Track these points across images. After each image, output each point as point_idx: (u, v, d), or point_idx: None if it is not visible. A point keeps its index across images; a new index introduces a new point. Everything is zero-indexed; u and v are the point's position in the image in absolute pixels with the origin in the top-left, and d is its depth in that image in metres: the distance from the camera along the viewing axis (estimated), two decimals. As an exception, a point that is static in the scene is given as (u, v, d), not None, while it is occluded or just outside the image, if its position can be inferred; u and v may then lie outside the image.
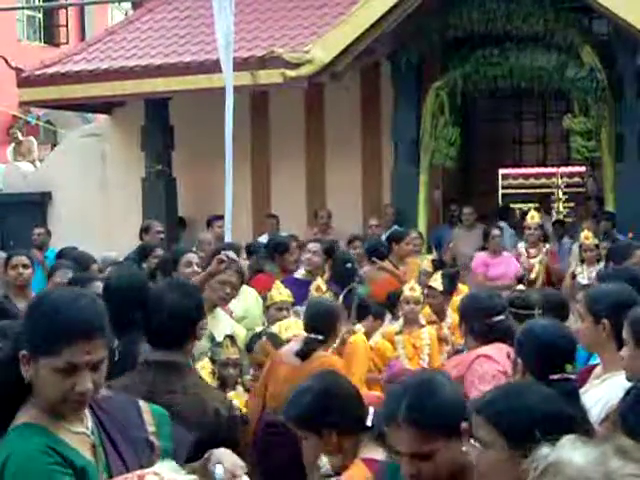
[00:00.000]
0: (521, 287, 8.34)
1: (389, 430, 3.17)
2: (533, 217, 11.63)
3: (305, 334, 6.25)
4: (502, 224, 14.76)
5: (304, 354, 6.04)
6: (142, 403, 3.30)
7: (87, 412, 3.08)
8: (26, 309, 3.09)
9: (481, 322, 5.25)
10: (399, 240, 10.67)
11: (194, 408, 4.15)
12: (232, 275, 7.08)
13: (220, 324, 6.83)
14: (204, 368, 5.83)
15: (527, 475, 2.19)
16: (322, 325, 6.18)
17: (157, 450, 3.13)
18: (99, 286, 5.88)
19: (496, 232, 11.57)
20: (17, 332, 3.04)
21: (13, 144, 18.72)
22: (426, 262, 9.90)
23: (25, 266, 8.21)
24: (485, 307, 5.41)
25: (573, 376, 3.94)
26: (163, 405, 3.50)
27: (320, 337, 6.11)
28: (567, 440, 2.15)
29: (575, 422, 2.90)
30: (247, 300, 8.17)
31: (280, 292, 7.73)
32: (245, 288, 8.20)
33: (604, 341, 4.42)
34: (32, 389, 3.00)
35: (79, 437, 3.02)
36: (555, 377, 3.74)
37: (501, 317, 5.36)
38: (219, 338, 6.51)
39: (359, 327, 7.79)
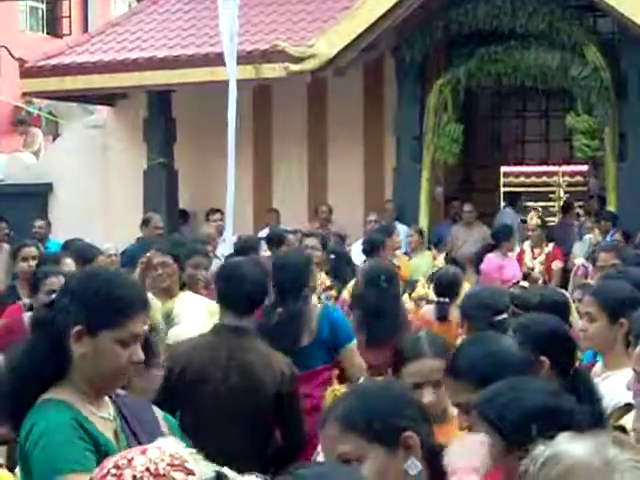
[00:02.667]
0: (524, 284, 8.28)
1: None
2: (532, 218, 11.68)
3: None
4: (509, 210, 14.90)
5: (443, 316, 7.07)
6: (154, 406, 3.39)
7: (108, 400, 3.14)
8: (74, 286, 3.13)
9: (484, 320, 5.18)
10: (390, 233, 10.68)
11: (264, 367, 4.81)
12: (155, 256, 6.82)
13: (186, 305, 6.72)
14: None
15: (524, 472, 2.19)
16: (450, 290, 7.27)
17: None
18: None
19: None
20: (65, 308, 3.06)
21: (23, 137, 18.70)
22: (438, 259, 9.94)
23: (34, 258, 8.16)
24: (488, 305, 5.35)
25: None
26: (239, 363, 4.56)
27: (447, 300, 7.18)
28: (563, 436, 2.16)
29: (574, 416, 2.87)
30: None
31: None
32: None
33: (616, 341, 4.37)
34: (65, 369, 3.04)
35: (104, 421, 3.08)
36: (577, 366, 3.72)
37: (504, 315, 5.29)
38: (183, 319, 6.43)
39: None
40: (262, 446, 3.33)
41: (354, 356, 6.01)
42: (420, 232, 12.40)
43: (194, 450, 2.11)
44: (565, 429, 2.67)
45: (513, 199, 15.93)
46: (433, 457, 2.69)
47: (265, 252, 9.34)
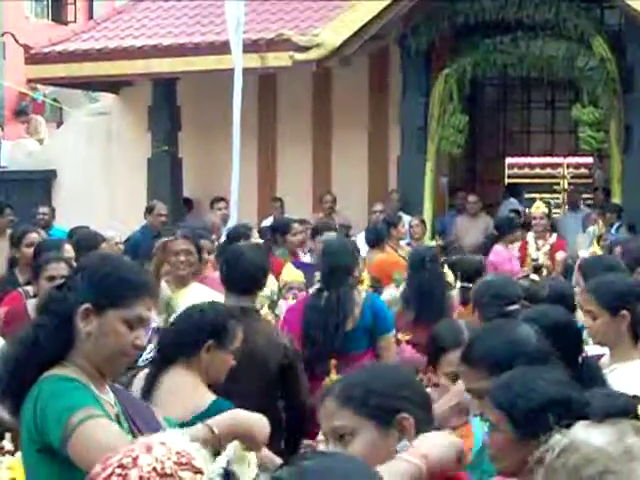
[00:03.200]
0: (534, 277, 8.29)
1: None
2: (539, 207, 11.64)
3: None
4: (512, 200, 14.93)
5: (467, 300, 7.05)
6: (154, 409, 3.42)
7: (108, 388, 3.15)
8: (85, 266, 3.21)
9: (495, 310, 5.16)
10: (395, 224, 10.70)
11: (268, 343, 5.19)
12: (181, 243, 6.87)
13: (196, 297, 6.73)
14: None
15: (538, 461, 2.18)
16: (474, 275, 7.50)
17: None
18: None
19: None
20: (75, 287, 3.12)
21: (26, 125, 18.69)
22: None
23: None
24: (500, 294, 5.33)
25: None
26: (244, 340, 4.59)
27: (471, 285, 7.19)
28: (580, 424, 2.15)
29: (586, 407, 2.86)
30: None
31: (290, 273, 7.74)
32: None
33: (621, 333, 4.34)
34: (69, 348, 3.07)
35: (106, 403, 3.09)
36: (584, 356, 3.71)
37: (516, 306, 5.26)
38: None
39: None
40: (270, 419, 3.44)
41: (390, 346, 6.24)
42: (423, 222, 12.38)
43: (199, 446, 2.07)
44: (577, 420, 2.66)
45: (516, 190, 15.94)
46: None
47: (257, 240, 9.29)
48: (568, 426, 2.66)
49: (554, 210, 17.48)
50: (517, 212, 11.53)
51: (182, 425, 3.87)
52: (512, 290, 5.44)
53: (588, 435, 2.04)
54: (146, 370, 4.47)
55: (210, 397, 4.19)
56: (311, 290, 6.63)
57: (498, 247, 10.78)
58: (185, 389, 4.21)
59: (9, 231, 11.61)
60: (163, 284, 6.58)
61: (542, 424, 2.72)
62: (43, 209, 13.45)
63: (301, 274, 7.83)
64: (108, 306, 3.06)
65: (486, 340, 3.37)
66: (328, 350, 5.93)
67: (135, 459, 1.97)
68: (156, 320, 5.96)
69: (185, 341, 4.29)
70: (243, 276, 5.34)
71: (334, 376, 5.68)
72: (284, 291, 7.65)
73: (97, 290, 3.07)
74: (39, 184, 16.29)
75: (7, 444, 4.60)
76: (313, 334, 6.04)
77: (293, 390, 5.27)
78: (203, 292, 6.81)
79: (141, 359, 4.75)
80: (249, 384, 4.90)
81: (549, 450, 2.09)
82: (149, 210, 12.06)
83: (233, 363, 4.36)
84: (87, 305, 3.06)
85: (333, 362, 5.91)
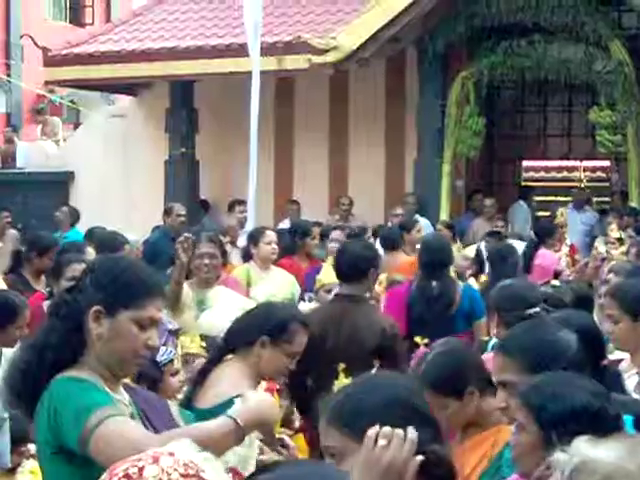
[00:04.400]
0: (555, 282, 8.26)
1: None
2: (562, 214, 11.65)
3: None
4: (521, 202, 14.93)
5: None
6: (170, 403, 3.42)
7: (121, 388, 3.14)
8: (95, 268, 3.18)
9: (515, 313, 5.14)
10: (409, 229, 10.63)
11: (368, 325, 5.90)
12: (205, 245, 6.96)
13: (220, 299, 6.76)
14: (193, 342, 5.76)
15: (537, 478, 2.15)
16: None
17: None
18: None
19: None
20: (86, 289, 3.10)
21: (40, 125, 18.74)
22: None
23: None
24: (521, 298, 5.31)
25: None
26: (349, 322, 5.80)
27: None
28: (582, 441, 2.12)
29: (617, 421, 2.84)
30: (275, 281, 8.24)
31: (328, 275, 7.75)
32: (274, 270, 8.45)
33: None
34: (81, 351, 3.05)
35: (119, 404, 3.08)
36: (605, 362, 3.69)
37: (536, 309, 5.24)
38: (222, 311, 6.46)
39: None
40: None
41: (482, 329, 6.95)
42: (448, 226, 12.27)
43: (209, 455, 2.04)
44: (604, 434, 2.65)
45: (526, 193, 15.88)
46: (431, 463, 2.47)
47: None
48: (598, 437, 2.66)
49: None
50: (498, 233, 11.45)
51: (209, 412, 3.92)
52: (532, 293, 5.42)
53: (598, 452, 2.01)
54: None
55: (244, 389, 4.13)
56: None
57: (545, 251, 10.57)
58: (227, 378, 4.30)
59: (12, 231, 11.67)
60: (185, 286, 6.60)
61: (569, 431, 2.71)
62: (63, 209, 13.45)
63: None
64: (119, 307, 3.05)
65: (530, 334, 3.35)
66: (434, 333, 6.12)
67: (141, 469, 1.94)
68: (170, 322, 5.99)
69: (244, 333, 4.40)
70: (350, 267, 6.11)
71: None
72: (321, 292, 7.65)
73: (107, 292, 3.05)
74: (56, 186, 16.35)
75: (33, 447, 4.59)
76: (420, 319, 6.88)
77: (389, 368, 5.35)
78: (231, 295, 6.86)
79: (159, 359, 4.79)
80: (349, 360, 5.37)
81: (554, 469, 2.06)
82: (167, 212, 12.07)
83: (289, 365, 4.43)
84: (98, 307, 3.04)
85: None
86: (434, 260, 7.18)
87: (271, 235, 8.68)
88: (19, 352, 3.19)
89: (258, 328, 4.38)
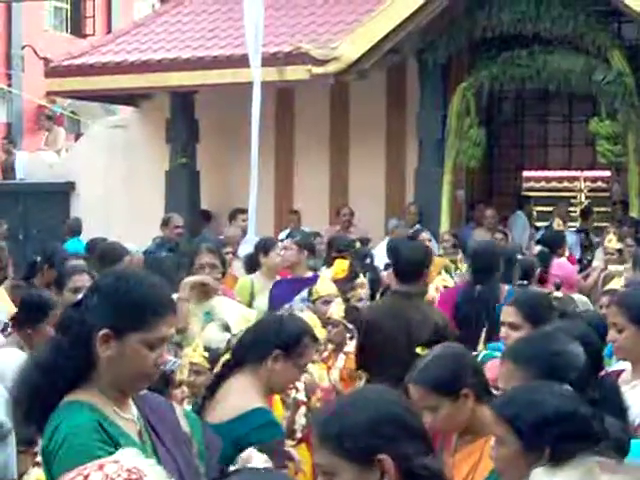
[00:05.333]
0: (558, 294, 8.29)
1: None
2: (559, 225, 11.65)
3: None
4: (519, 212, 14.97)
5: None
6: (175, 405, 3.38)
7: (130, 401, 3.12)
8: (101, 286, 3.10)
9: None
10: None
11: (422, 319, 6.46)
12: (205, 256, 6.96)
13: (223, 309, 6.75)
14: (195, 351, 5.74)
15: None
16: (528, 274, 8.34)
17: (194, 449, 3.15)
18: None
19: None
20: (93, 309, 3.03)
21: (46, 133, 18.74)
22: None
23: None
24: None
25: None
26: (404, 317, 6.46)
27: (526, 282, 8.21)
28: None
29: (591, 422, 2.84)
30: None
31: (325, 286, 7.75)
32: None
33: None
34: (89, 371, 3.02)
35: (127, 422, 3.06)
36: (603, 373, 3.67)
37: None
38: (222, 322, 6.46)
39: None
40: None
41: None
42: (455, 235, 12.27)
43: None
44: (582, 436, 2.67)
45: (522, 202, 15.89)
46: (423, 477, 2.48)
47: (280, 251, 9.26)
48: (577, 440, 2.66)
49: (570, 224, 17.44)
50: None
51: (222, 427, 3.93)
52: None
53: None
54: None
55: (256, 404, 4.26)
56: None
57: (561, 260, 10.54)
58: (238, 392, 4.30)
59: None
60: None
61: (547, 437, 2.72)
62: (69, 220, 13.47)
63: (334, 287, 7.86)
64: (128, 330, 2.99)
65: (540, 345, 3.36)
66: (478, 334, 6.74)
67: (86, 477, 2.00)
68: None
69: (255, 347, 4.39)
70: (405, 267, 6.70)
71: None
72: (318, 303, 7.64)
73: (116, 314, 2.99)
74: (57, 196, 16.36)
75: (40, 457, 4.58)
76: (466, 319, 7.21)
77: None
78: (232, 305, 6.87)
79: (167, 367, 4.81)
80: (404, 353, 5.70)
81: None
82: (165, 223, 12.07)
83: (298, 379, 4.58)
84: (106, 330, 2.98)
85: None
86: (478, 265, 7.69)
87: (280, 247, 8.74)
88: (26, 371, 3.11)
89: (271, 342, 4.38)
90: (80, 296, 3.24)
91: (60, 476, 2.86)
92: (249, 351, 4.38)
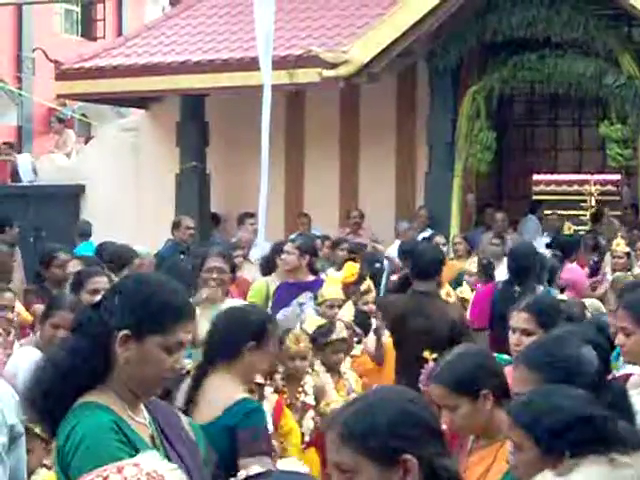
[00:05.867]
0: (563, 297, 8.32)
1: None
2: (569, 228, 11.66)
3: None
4: (530, 216, 14.99)
5: None
6: (180, 414, 3.38)
7: (142, 406, 3.12)
8: (123, 288, 3.11)
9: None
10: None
11: (440, 316, 6.97)
12: (214, 260, 6.99)
13: None
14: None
15: None
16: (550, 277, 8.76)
17: (200, 456, 3.16)
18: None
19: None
20: (114, 311, 3.05)
21: (56, 136, 18.76)
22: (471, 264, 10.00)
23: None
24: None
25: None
26: (424, 314, 6.99)
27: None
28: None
29: (608, 425, 2.83)
30: None
31: (330, 290, 7.76)
32: None
33: None
34: (106, 373, 3.03)
35: (140, 426, 3.07)
36: (610, 377, 3.65)
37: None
38: None
39: None
40: None
41: None
42: (465, 238, 12.28)
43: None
44: (600, 440, 2.66)
45: (535, 207, 15.92)
46: (441, 478, 2.47)
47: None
48: (595, 444, 2.66)
49: (580, 227, 17.42)
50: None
51: (211, 426, 3.96)
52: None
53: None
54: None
55: (240, 395, 4.38)
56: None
57: (572, 265, 10.57)
58: (220, 389, 4.38)
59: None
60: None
61: (566, 442, 2.71)
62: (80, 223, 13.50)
63: (340, 291, 7.87)
64: (148, 333, 3.01)
65: (554, 349, 3.35)
66: None
67: (105, 479, 2.00)
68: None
69: (227, 343, 4.47)
70: (424, 267, 7.15)
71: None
72: (323, 307, 7.64)
73: (136, 316, 3.01)
74: (68, 199, 16.38)
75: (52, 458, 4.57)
76: (500, 317, 7.17)
77: None
78: None
79: None
80: (424, 348, 6.23)
81: None
82: (176, 225, 12.08)
83: (271, 364, 4.67)
84: (126, 331, 3.00)
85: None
86: (517, 266, 8.06)
87: (291, 247, 8.73)
88: (41, 369, 3.11)
89: (242, 335, 4.49)
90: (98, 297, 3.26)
91: (78, 476, 2.87)
92: (221, 348, 4.46)
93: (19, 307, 7.15)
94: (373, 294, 8.41)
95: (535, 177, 18.01)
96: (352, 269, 8.56)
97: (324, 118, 15.35)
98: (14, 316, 6.42)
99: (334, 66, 13.52)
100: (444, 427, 3.36)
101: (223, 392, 4.37)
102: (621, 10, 13.37)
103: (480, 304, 8.37)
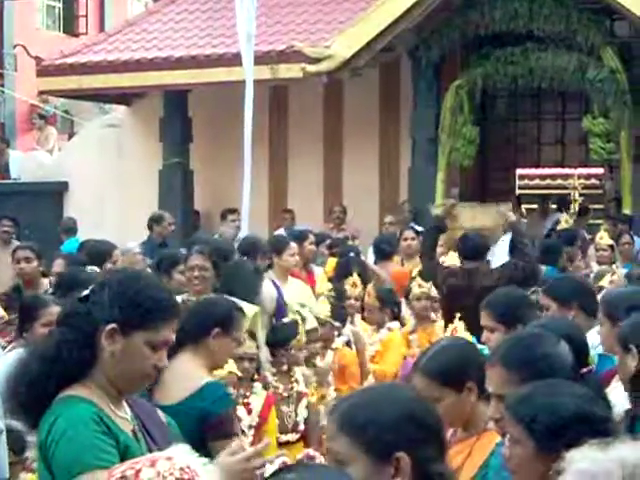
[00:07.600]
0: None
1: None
2: (602, 237, 11.59)
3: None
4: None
5: None
6: (159, 411, 3.39)
7: (124, 404, 3.13)
8: (112, 283, 3.12)
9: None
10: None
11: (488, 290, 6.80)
12: (195, 258, 7.00)
13: None
14: None
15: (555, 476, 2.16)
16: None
17: None
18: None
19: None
20: (102, 304, 3.06)
21: (38, 133, 18.70)
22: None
23: (27, 259, 8.19)
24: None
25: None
26: (470, 284, 7.87)
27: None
28: (591, 446, 2.12)
29: (607, 423, 2.84)
30: (293, 292, 8.18)
31: (322, 284, 7.83)
32: (291, 281, 8.45)
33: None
34: (90, 366, 3.03)
35: (122, 421, 3.08)
36: (585, 370, 3.65)
37: None
38: None
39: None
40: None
41: None
42: None
43: (206, 460, 2.08)
44: (598, 437, 2.64)
45: (519, 201, 15.93)
46: None
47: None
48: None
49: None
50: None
51: (175, 408, 4.00)
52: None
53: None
54: None
55: (205, 379, 4.55)
56: None
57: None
58: (186, 372, 4.53)
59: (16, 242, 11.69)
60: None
61: (564, 439, 2.70)
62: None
63: (330, 286, 7.92)
64: (134, 328, 3.03)
65: (530, 348, 3.35)
66: None
67: (138, 472, 1.99)
68: None
69: (194, 328, 4.63)
70: (471, 250, 8.14)
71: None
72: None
73: (124, 311, 3.03)
74: (51, 196, 16.32)
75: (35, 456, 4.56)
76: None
77: None
78: None
79: None
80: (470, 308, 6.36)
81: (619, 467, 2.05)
82: (157, 220, 12.04)
83: (236, 350, 4.89)
84: (114, 325, 3.02)
85: None
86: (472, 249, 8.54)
87: (294, 247, 8.67)
88: (26, 360, 3.13)
89: (209, 321, 4.68)
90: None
91: (60, 468, 2.88)
92: (188, 333, 4.56)
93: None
94: (359, 289, 8.42)
95: (519, 171, 18.04)
96: (333, 264, 8.61)
97: (307, 113, 15.34)
98: None
99: (317, 61, 13.51)
100: None
101: (189, 375, 4.53)
102: (603, 4, 13.39)
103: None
